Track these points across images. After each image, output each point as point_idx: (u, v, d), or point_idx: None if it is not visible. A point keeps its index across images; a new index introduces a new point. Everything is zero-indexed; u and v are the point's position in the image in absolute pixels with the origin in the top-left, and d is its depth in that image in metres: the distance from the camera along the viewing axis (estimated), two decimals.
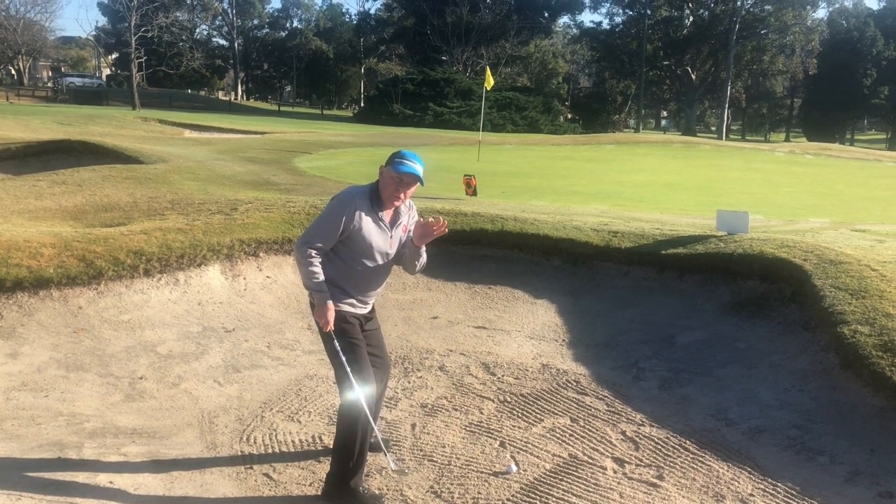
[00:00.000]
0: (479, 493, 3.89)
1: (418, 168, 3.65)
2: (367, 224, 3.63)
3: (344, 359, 3.63)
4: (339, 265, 3.67)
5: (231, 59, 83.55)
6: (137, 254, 6.75)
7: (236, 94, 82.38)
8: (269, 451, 4.29)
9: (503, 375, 5.57)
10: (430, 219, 3.75)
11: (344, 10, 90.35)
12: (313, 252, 3.59)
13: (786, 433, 4.66)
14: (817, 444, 4.51)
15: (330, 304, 3.62)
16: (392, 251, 3.79)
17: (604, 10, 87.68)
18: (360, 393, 3.62)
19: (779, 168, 24.07)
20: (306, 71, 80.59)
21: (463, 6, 61.70)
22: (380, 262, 3.75)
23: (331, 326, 3.64)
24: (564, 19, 78.20)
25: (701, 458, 4.33)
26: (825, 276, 6.22)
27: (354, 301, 3.74)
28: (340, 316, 3.68)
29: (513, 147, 28.33)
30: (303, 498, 3.80)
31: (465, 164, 17.79)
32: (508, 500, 3.83)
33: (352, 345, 3.69)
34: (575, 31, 79.56)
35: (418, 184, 3.69)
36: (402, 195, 3.67)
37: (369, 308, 3.89)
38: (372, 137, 28.29)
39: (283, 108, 66.96)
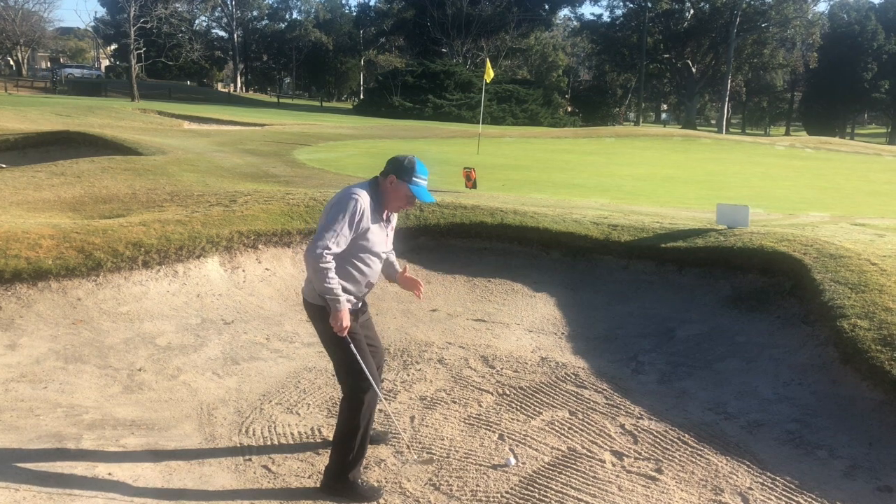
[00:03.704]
0: (477, 485, 3.89)
1: (433, 197, 3.75)
2: (373, 225, 3.63)
3: (355, 352, 3.66)
4: (341, 264, 3.63)
5: (230, 51, 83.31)
6: (136, 245, 6.73)
7: (235, 86, 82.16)
8: (268, 443, 4.29)
9: (502, 368, 5.57)
10: (417, 288, 4.00)
11: (343, 2, 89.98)
12: (329, 257, 3.49)
13: (785, 427, 4.66)
14: (816, 437, 4.51)
15: (347, 308, 3.58)
16: (388, 249, 3.83)
17: (604, 3, 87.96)
18: (368, 384, 3.65)
19: (779, 162, 24.05)
20: (306, 63, 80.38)
21: None
22: (378, 260, 3.79)
23: (346, 331, 3.60)
24: (565, 12, 77.94)
25: (700, 452, 4.33)
26: (825, 269, 6.22)
27: (353, 298, 3.75)
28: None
29: (512, 140, 28.29)
30: (302, 490, 3.80)
31: (465, 157, 17.76)
32: (507, 492, 3.84)
33: (356, 339, 3.72)
34: (575, 23, 79.32)
35: None
36: (404, 208, 3.73)
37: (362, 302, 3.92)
38: (371, 130, 28.24)
39: (282, 100, 66.69)
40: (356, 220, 3.53)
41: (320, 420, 4.60)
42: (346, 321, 3.57)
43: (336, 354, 3.74)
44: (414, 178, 3.61)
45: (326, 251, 3.46)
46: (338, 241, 3.49)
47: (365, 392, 3.66)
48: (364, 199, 3.57)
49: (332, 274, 3.50)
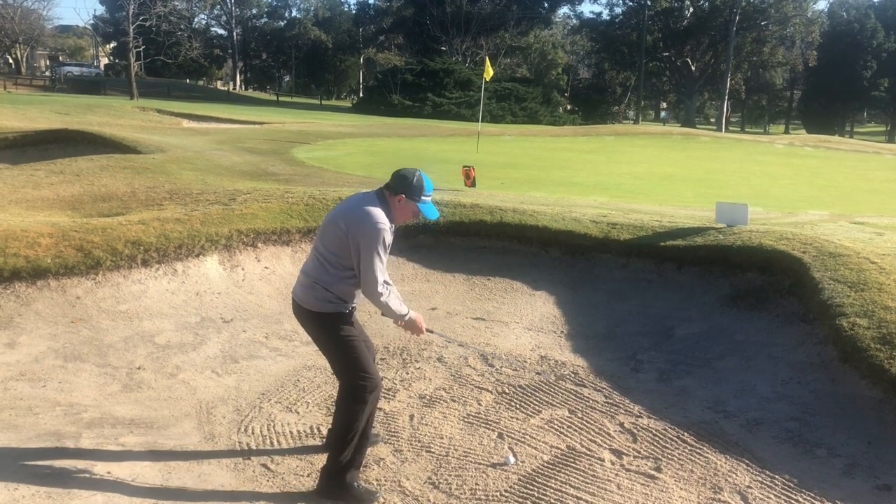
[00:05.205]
0: (476, 484, 3.89)
1: (438, 213, 3.82)
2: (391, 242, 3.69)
3: (356, 354, 3.69)
4: (353, 282, 3.64)
5: (230, 49, 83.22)
6: (135, 244, 6.73)
7: (235, 84, 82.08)
8: (267, 441, 4.29)
9: (501, 367, 5.57)
10: None
11: (342, 0, 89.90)
12: (386, 288, 3.63)
13: (784, 425, 4.66)
14: (815, 436, 4.52)
15: (419, 316, 3.82)
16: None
17: (604, 1, 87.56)
18: (373, 384, 3.70)
19: (778, 160, 24.06)
20: (305, 61, 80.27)
21: None
22: None
23: (422, 331, 3.86)
24: (564, 10, 77.76)
25: (699, 450, 4.34)
26: (824, 268, 6.22)
27: (350, 305, 3.77)
28: (344, 317, 3.72)
29: (512, 138, 28.27)
30: (300, 488, 3.80)
31: (464, 155, 17.73)
32: (506, 491, 3.84)
33: (356, 340, 3.74)
34: (575, 21, 79.18)
35: None
36: (408, 222, 3.82)
37: None
38: (371, 128, 28.21)
39: (281, 99, 66.64)
40: (388, 245, 3.62)
41: (319, 419, 4.60)
42: (422, 325, 3.84)
43: (338, 358, 3.75)
44: (422, 197, 3.68)
45: (383, 286, 3.60)
46: (384, 270, 3.62)
47: (370, 392, 3.69)
48: (388, 224, 3.59)
49: (394, 299, 3.67)
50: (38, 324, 5.78)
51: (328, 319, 3.69)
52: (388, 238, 3.58)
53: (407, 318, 3.75)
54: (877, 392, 4.70)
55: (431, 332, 4.07)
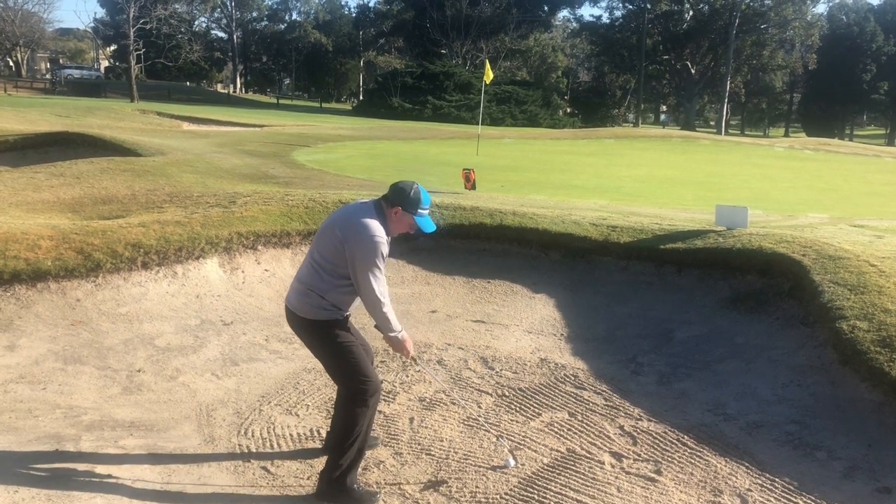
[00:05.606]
0: (476, 487, 3.89)
1: (434, 226, 3.82)
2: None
3: (354, 358, 3.68)
4: (347, 290, 3.65)
5: (230, 52, 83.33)
6: (135, 246, 6.73)
7: (235, 87, 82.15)
8: (267, 444, 4.29)
9: (501, 369, 5.57)
10: None
11: (343, 3, 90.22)
12: (388, 300, 3.63)
13: (784, 428, 4.66)
14: (815, 439, 4.52)
15: (408, 337, 3.77)
16: None
17: (603, 4, 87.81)
18: (373, 387, 3.69)
19: (778, 163, 24.08)
20: (305, 64, 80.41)
21: None
22: None
23: (410, 353, 3.80)
24: (564, 13, 77.93)
25: (699, 453, 4.33)
26: (824, 271, 6.22)
27: (344, 312, 3.77)
28: (339, 323, 3.72)
29: (512, 141, 28.29)
30: (300, 491, 3.80)
31: (464, 158, 17.74)
32: (506, 494, 3.83)
33: (353, 344, 3.74)
34: (574, 24, 79.27)
35: None
36: (404, 233, 3.82)
37: None
38: (371, 131, 28.23)
39: (281, 101, 66.66)
40: (385, 257, 3.62)
41: (319, 421, 4.60)
42: (411, 347, 3.79)
43: (337, 364, 3.74)
44: (419, 210, 3.68)
45: (385, 297, 3.61)
46: (383, 282, 3.62)
47: (370, 395, 3.68)
48: (385, 237, 3.60)
49: (392, 315, 3.66)
50: (39, 326, 5.78)
51: (323, 327, 3.69)
52: (385, 250, 3.59)
53: (401, 334, 3.73)
54: (877, 395, 4.71)
55: (416, 360, 3.97)
